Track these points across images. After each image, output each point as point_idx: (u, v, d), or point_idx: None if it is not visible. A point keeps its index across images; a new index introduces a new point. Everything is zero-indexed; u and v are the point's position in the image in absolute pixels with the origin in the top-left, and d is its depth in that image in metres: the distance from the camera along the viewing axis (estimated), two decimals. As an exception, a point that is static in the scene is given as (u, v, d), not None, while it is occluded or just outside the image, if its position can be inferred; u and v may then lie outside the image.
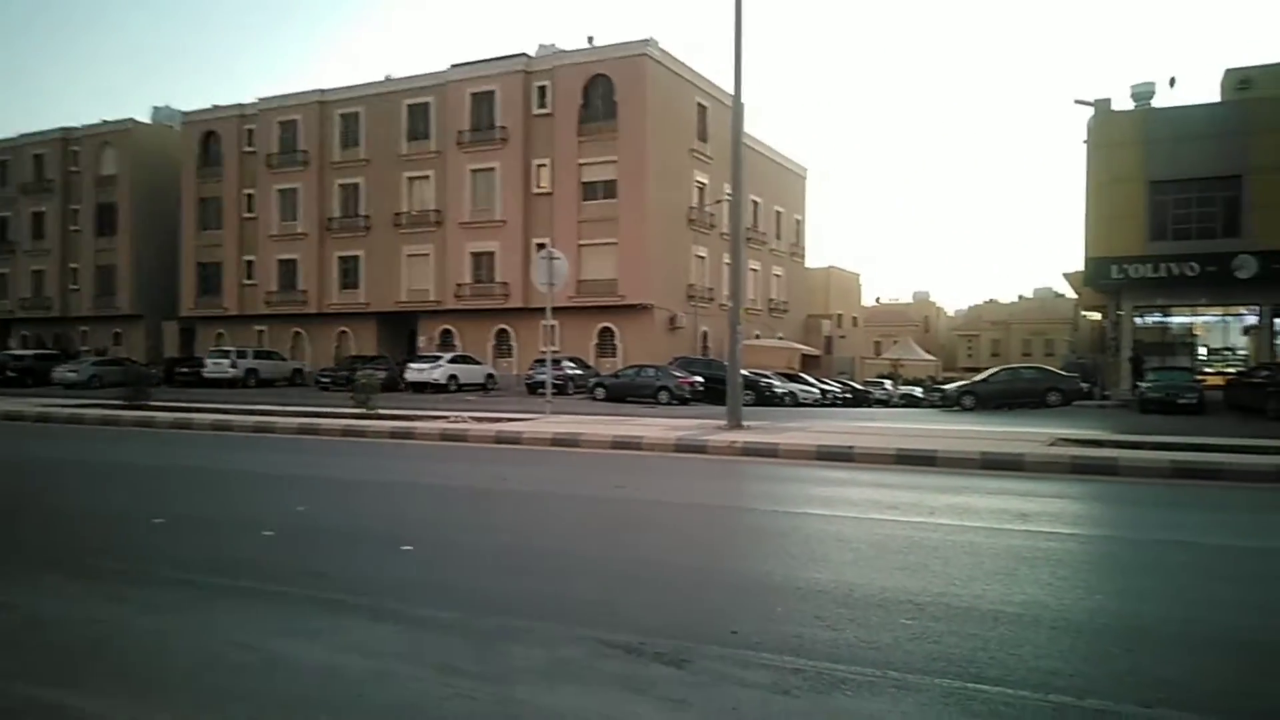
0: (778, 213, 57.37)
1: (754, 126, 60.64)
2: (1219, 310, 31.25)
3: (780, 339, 54.22)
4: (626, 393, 32.61)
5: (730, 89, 17.21)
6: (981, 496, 9.48)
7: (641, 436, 14.72)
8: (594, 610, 5.16)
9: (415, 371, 38.46)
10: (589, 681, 4.03)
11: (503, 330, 46.76)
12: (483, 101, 46.28)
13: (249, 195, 53.78)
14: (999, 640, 4.58)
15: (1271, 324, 29.89)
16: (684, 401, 31.50)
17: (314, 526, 7.71)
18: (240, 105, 54.38)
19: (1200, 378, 28.04)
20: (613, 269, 43.28)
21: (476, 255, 46.61)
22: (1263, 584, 5.95)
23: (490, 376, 41.08)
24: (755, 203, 53.22)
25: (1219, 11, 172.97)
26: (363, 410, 19.29)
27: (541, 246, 34.41)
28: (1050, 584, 5.72)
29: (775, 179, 56.95)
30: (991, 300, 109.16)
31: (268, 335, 52.95)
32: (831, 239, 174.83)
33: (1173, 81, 32.10)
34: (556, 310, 25.82)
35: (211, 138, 55.36)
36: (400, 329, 50.00)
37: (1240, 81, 34.43)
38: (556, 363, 35.37)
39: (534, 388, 34.85)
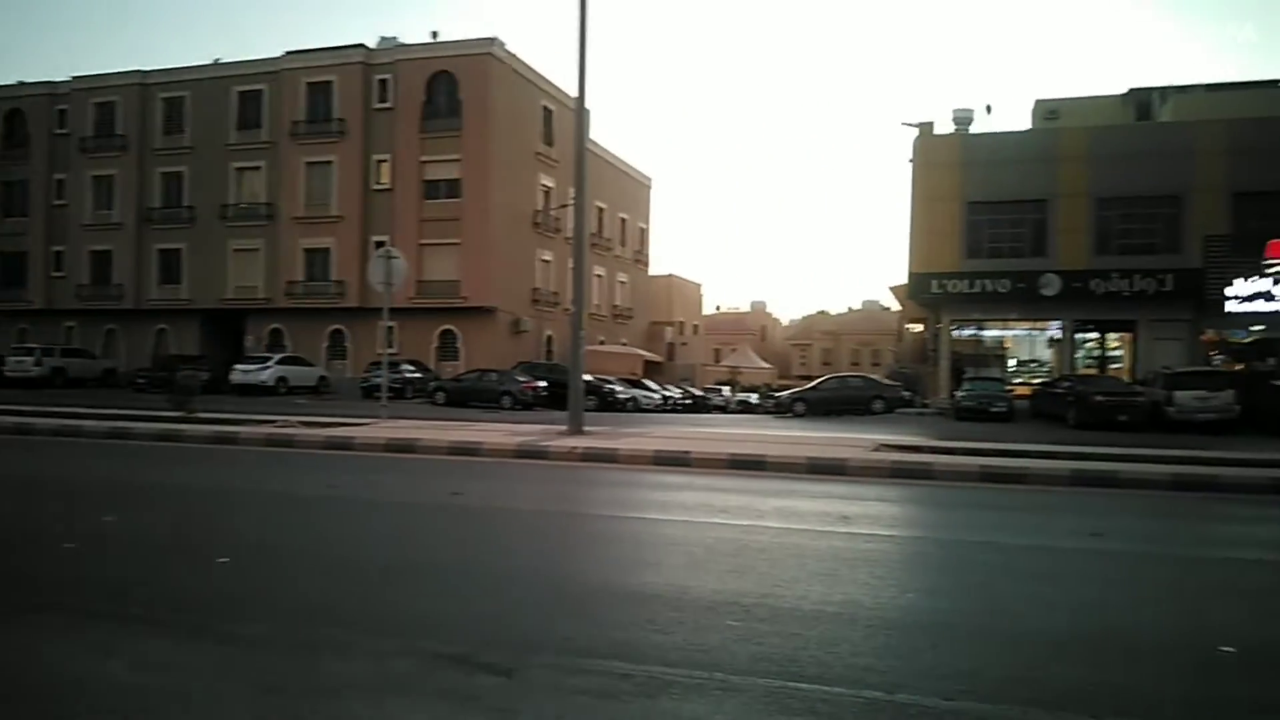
0: (622, 220, 57.96)
1: (600, 134, 61.21)
2: (1027, 324, 33.71)
3: (624, 345, 54.78)
4: (468, 397, 32.12)
5: (575, 93, 17.26)
6: (808, 500, 9.85)
7: (481, 442, 14.53)
8: (424, 621, 5.04)
9: (241, 373, 36.61)
10: (416, 694, 3.93)
11: (337, 331, 45.16)
12: (319, 92, 44.61)
13: (59, 181, 49.75)
14: (819, 639, 4.76)
15: (1072, 338, 32.51)
16: (527, 406, 31.33)
17: (122, 538, 7.19)
18: (51, 83, 50.25)
19: (1010, 388, 30.17)
20: (455, 270, 42.58)
21: (310, 252, 44.84)
22: (1053, 581, 6.43)
23: (323, 379, 39.58)
24: (600, 209, 53.59)
25: (1033, 45, 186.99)
26: (182, 413, 18.18)
27: (380, 244, 33.48)
28: (868, 584, 6.00)
29: (620, 186, 57.53)
30: (823, 311, 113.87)
31: (78, 332, 49.13)
32: (674, 248, 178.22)
33: (989, 109, 34.63)
34: (395, 311, 25.17)
35: (16, 117, 50.91)
36: (226, 328, 47.43)
37: (1048, 112, 37.35)
38: (394, 365, 34.45)
39: (370, 391, 33.81)
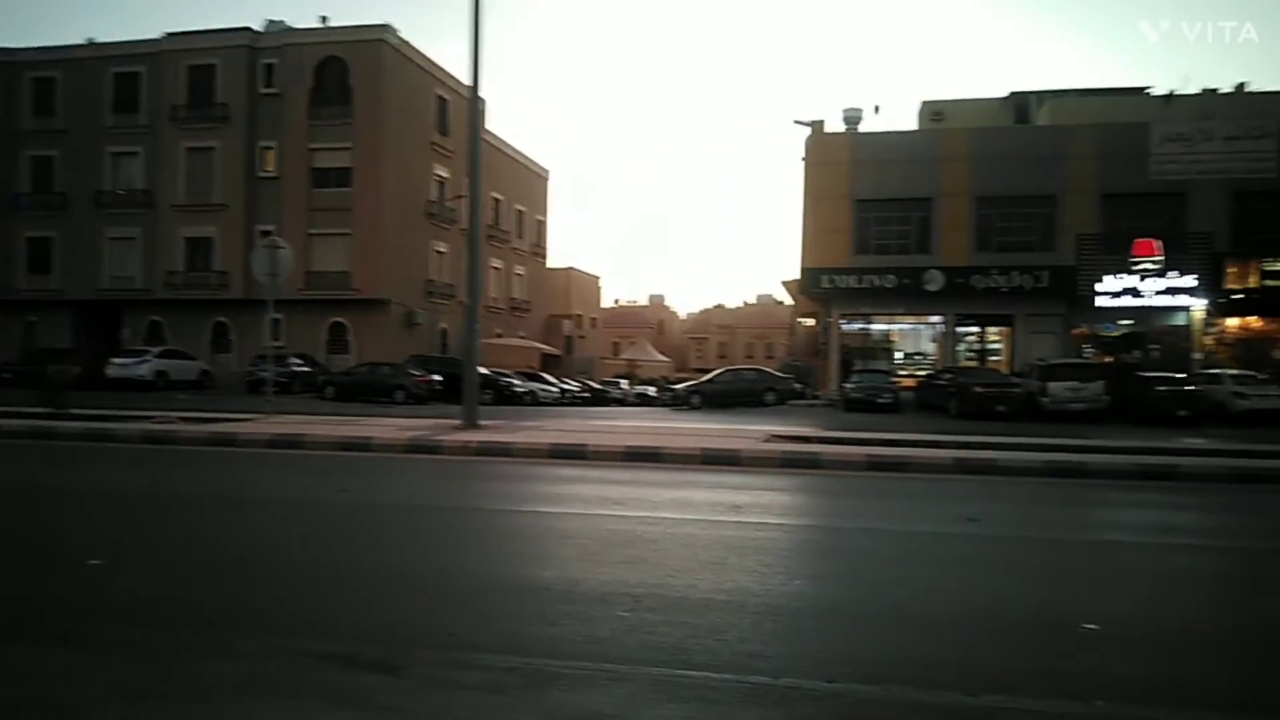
0: (519, 212, 57.48)
1: (496, 125, 60.49)
2: (913, 319, 34.85)
3: (522, 338, 54.37)
4: (360, 392, 31.34)
5: (469, 81, 17.00)
6: (701, 491, 9.98)
7: (371, 437, 14.20)
8: (304, 621, 4.90)
9: (118, 367, 34.81)
10: (291, 695, 3.81)
11: (221, 324, 43.44)
12: (202, 76, 42.76)
13: (-85, 162, 46.30)
14: (708, 627, 4.82)
15: (954, 332, 33.76)
16: (421, 401, 30.76)
17: (-23, 542, 6.77)
18: (-100, 57, 46.75)
19: (896, 379, 31.13)
20: (346, 261, 41.48)
21: (192, 241, 42.99)
22: (932, 565, 6.67)
23: (206, 374, 38.01)
24: (497, 201, 53.01)
25: (920, 47, 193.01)
26: (53, 410, 17.22)
27: (266, 234, 32.35)
28: (757, 571, 6.11)
29: (517, 178, 57.03)
30: (719, 305, 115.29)
31: (-66, 323, 45.92)
32: (573, 241, 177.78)
33: (877, 109, 35.59)
34: (282, 303, 24.39)
35: None
36: (101, 320, 45.01)
37: (934, 113, 38.64)
38: (281, 359, 33.35)
39: (255, 386, 32.61)
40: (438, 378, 32.37)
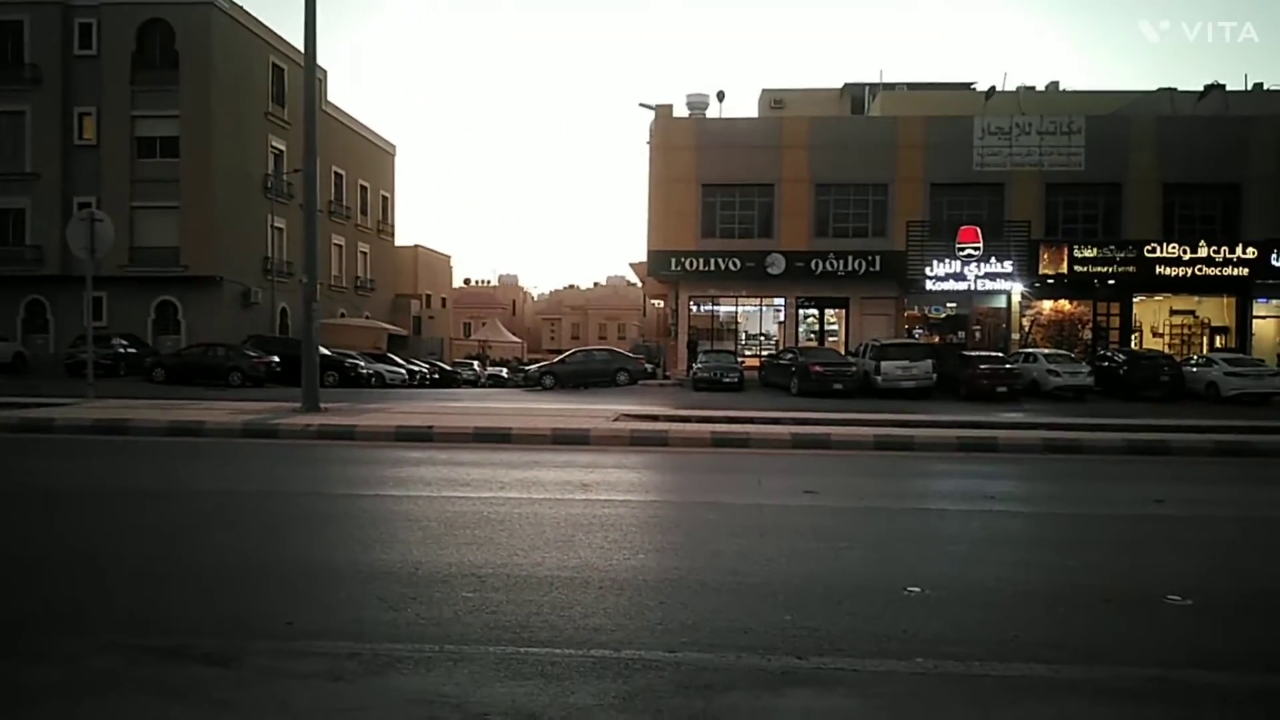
0: (363, 187, 55.59)
1: (340, 98, 58.18)
2: (757, 301, 35.86)
3: (367, 318, 52.73)
4: (192, 374, 29.66)
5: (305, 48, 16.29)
6: (550, 470, 10.02)
7: (203, 421, 13.51)
8: (134, 617, 4.67)
9: (-87, 350, 31.70)
10: (117, 692, 3.64)
11: (36, 302, 40.15)
12: (8, 33, 39.17)
13: None
14: (551, 604, 4.88)
15: (796, 314, 34.98)
16: (259, 383, 29.42)
17: None
18: None
19: (742, 359, 32.02)
20: (174, 236, 39.06)
21: (1, 213, 39.51)
22: (770, 536, 6.95)
23: (20, 356, 35.08)
24: (339, 175, 51.08)
25: (763, 37, 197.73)
26: None
27: (85, 206, 30.10)
28: (603, 548, 6.21)
29: (361, 153, 55.10)
30: (572, 286, 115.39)
31: None
32: (423, 219, 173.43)
33: (721, 95, 36.03)
34: (104, 280, 22.79)
35: None
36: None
37: (774, 101, 39.77)
38: (104, 340, 31.18)
39: (76, 369, 30.39)
40: (276, 359, 31.02)
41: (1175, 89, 35.83)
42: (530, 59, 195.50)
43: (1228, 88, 34.80)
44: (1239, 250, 30.87)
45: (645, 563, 5.92)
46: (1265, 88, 36.66)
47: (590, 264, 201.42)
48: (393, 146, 61.48)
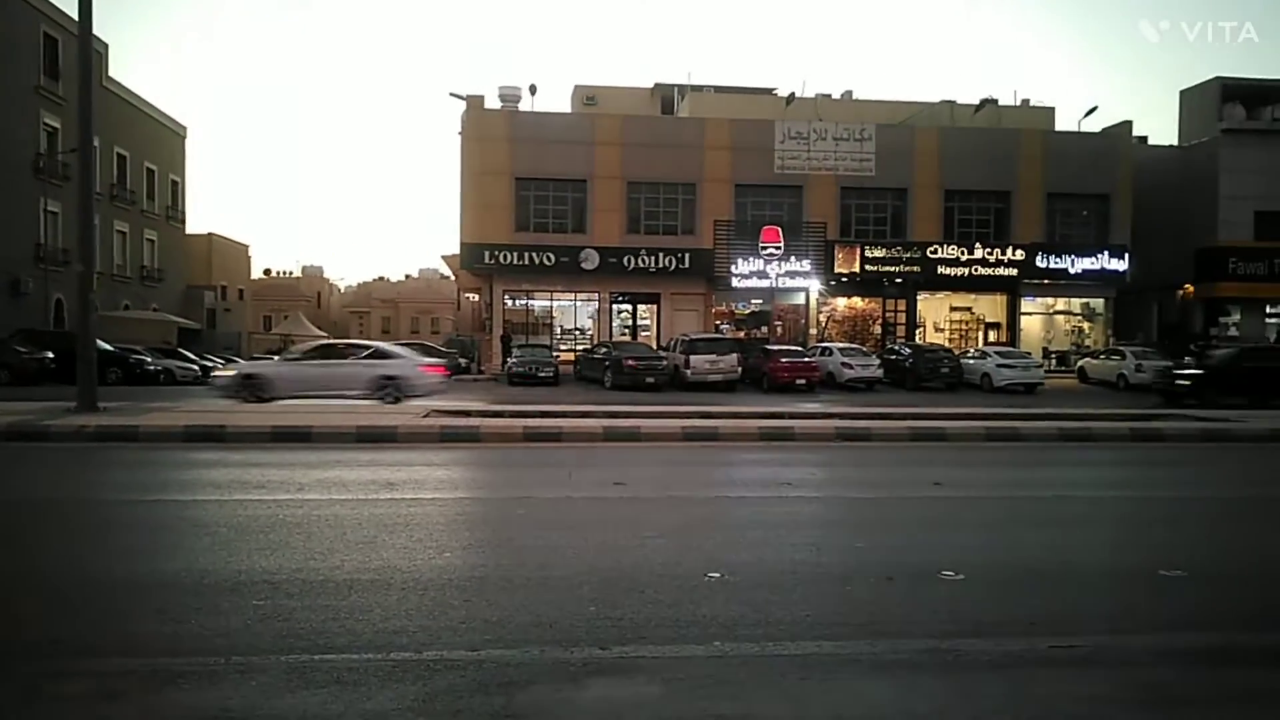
0: (150, 170, 51.61)
1: (125, 75, 53.75)
2: (571, 295, 36.01)
3: (155, 310, 49.03)
4: (-55, 372, 26.61)
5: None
6: (353, 470, 9.68)
7: (-43, 425, 12.16)
8: None
9: None
10: None
11: None
12: None
13: None
14: (350, 608, 4.72)
15: (610, 309, 35.39)
16: (31, 381, 26.77)
17: None
18: None
19: (557, 354, 32.06)
20: (-76, 220, 34.94)
21: None
22: (577, 529, 7.01)
23: None
24: (123, 157, 47.18)
25: (575, 32, 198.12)
26: None
27: None
28: (406, 548, 6.06)
29: (148, 133, 51.09)
30: (382, 278, 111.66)
31: None
32: (219, 207, 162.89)
33: (534, 89, 35.92)
34: None
35: None
36: None
37: (587, 98, 40.03)
38: None
39: None
40: (49, 355, 28.35)
41: (955, 102, 38.79)
42: (337, 44, 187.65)
43: (1000, 102, 38.04)
44: (1009, 252, 33.83)
45: (451, 561, 5.83)
46: (1031, 104, 40.25)
47: (402, 256, 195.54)
48: (184, 129, 57.44)
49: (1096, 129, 36.55)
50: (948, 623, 4.77)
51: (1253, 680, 4.19)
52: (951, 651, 4.34)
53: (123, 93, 47.33)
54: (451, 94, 36.29)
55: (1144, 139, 38.60)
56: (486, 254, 33.09)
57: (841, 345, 30.26)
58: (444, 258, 39.44)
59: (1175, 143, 37.86)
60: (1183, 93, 37.99)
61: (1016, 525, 7.63)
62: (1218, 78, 36.05)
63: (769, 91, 41.34)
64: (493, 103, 35.80)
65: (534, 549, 6.23)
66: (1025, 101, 40.37)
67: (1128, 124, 35.96)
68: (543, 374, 28.29)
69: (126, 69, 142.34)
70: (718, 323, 35.19)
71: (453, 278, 54.18)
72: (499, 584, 5.30)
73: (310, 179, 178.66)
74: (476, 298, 41.26)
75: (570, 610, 4.78)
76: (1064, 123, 39.08)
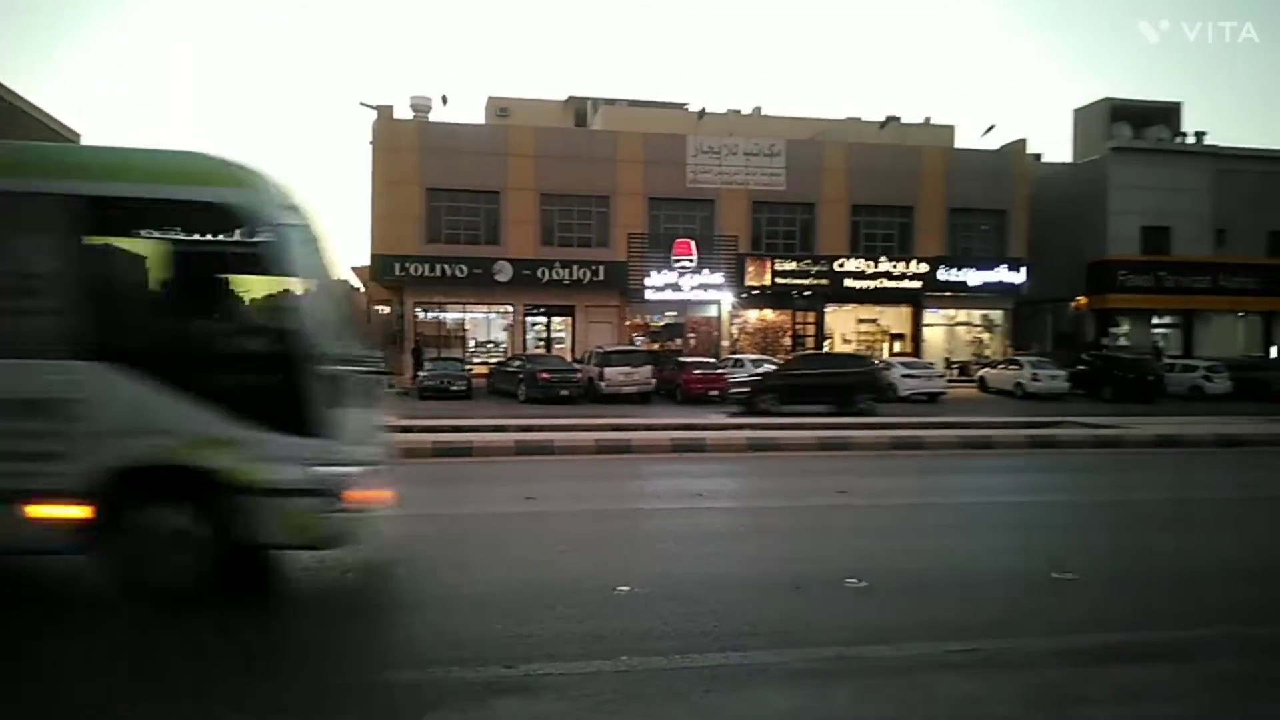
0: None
1: (11, 80, 51.14)
2: (484, 307, 35.62)
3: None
4: None
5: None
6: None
7: None
8: None
9: None
10: None
11: None
12: None
13: None
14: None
15: (523, 321, 35.14)
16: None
17: None
18: None
19: (470, 367, 31.63)
20: None
21: None
22: (485, 544, 6.92)
23: None
24: (7, 164, 44.97)
25: (488, 43, 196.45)
26: None
27: None
28: (312, 568, 5.87)
29: (36, 139, 48.90)
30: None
31: None
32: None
33: (445, 99, 35.56)
34: None
35: None
36: None
37: (500, 110, 39.84)
38: None
39: None
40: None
41: (860, 119, 39.83)
42: (241, 49, 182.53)
43: (902, 120, 39.20)
44: (913, 266, 34.80)
45: (353, 583, 5.68)
46: (932, 121, 41.60)
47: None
48: (76, 135, 55.10)
49: (995, 146, 37.96)
50: (853, 630, 4.86)
51: (1141, 677, 4.37)
52: (858, 658, 4.42)
53: (10, 97, 45.17)
54: (362, 103, 35.64)
55: (1039, 156, 40.21)
56: (397, 266, 32.52)
57: (753, 357, 30.62)
58: (353, 269, 38.63)
59: (1070, 160, 39.60)
60: (1076, 111, 39.78)
61: (919, 532, 7.81)
62: (1107, 99, 37.86)
63: (681, 106, 41.79)
64: (404, 113, 35.31)
65: (441, 568, 6.13)
66: (928, 119, 41.69)
67: (1022, 141, 37.43)
68: (455, 387, 27.91)
69: (14, 74, 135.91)
70: (632, 335, 35.29)
71: (362, 290, 53.14)
72: (403, 605, 5.19)
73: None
74: (387, 310, 40.53)
75: (477, 629, 4.72)
76: (964, 140, 40.53)
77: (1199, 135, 37.71)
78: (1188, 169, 36.36)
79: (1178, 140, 37.83)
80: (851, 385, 23.04)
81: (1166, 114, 38.29)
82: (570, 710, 3.74)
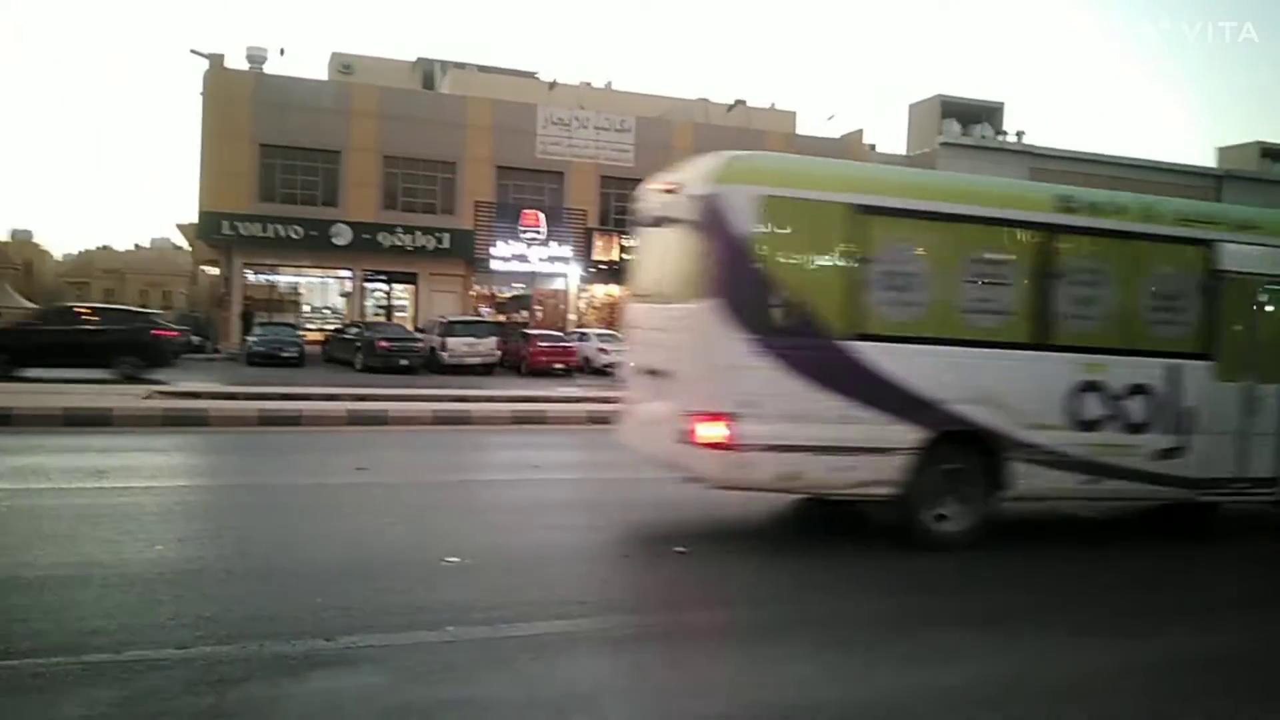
0: None
1: None
2: (320, 272, 34.26)
3: None
4: None
5: None
6: (57, 455, 8.73)
7: None
8: None
9: None
10: None
11: None
12: None
13: None
14: (41, 608, 4.28)
15: (363, 287, 34.01)
16: None
17: None
18: None
19: (303, 333, 30.38)
20: None
21: None
22: (314, 517, 6.72)
23: None
24: None
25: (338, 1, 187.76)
26: None
27: None
28: (112, 540, 5.56)
29: None
30: (106, 247, 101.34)
31: None
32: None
33: (283, 51, 33.98)
34: None
35: None
36: None
37: (343, 66, 38.21)
38: None
39: None
40: None
41: (709, 100, 40.43)
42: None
43: (748, 103, 40.07)
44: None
45: (163, 554, 5.40)
46: (776, 107, 42.73)
47: (132, 224, 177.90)
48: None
49: (836, 135, 39.36)
50: (684, 595, 5.01)
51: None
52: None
53: None
54: (193, 51, 33.41)
55: (873, 146, 42.00)
56: (226, 224, 30.76)
57: (599, 331, 30.81)
58: (179, 227, 36.24)
59: (904, 151, 41.55)
60: (911, 106, 41.72)
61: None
62: (939, 95, 39.88)
63: (532, 75, 41.24)
64: (239, 63, 33.34)
65: (260, 539, 5.93)
66: (773, 104, 42.77)
67: (859, 131, 38.97)
68: (286, 354, 26.75)
69: None
70: (477, 305, 34.78)
71: (188, 249, 50.22)
72: (218, 577, 4.98)
73: (22, 137, 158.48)
74: (215, 271, 38.36)
75: (294, 602, 4.58)
76: (805, 126, 41.82)
77: (1019, 134, 40.38)
78: (1008, 166, 38.89)
79: (999, 138, 40.37)
80: (112, 345, 18.62)
81: (991, 112, 40.77)
82: (391, 681, 3.70)
